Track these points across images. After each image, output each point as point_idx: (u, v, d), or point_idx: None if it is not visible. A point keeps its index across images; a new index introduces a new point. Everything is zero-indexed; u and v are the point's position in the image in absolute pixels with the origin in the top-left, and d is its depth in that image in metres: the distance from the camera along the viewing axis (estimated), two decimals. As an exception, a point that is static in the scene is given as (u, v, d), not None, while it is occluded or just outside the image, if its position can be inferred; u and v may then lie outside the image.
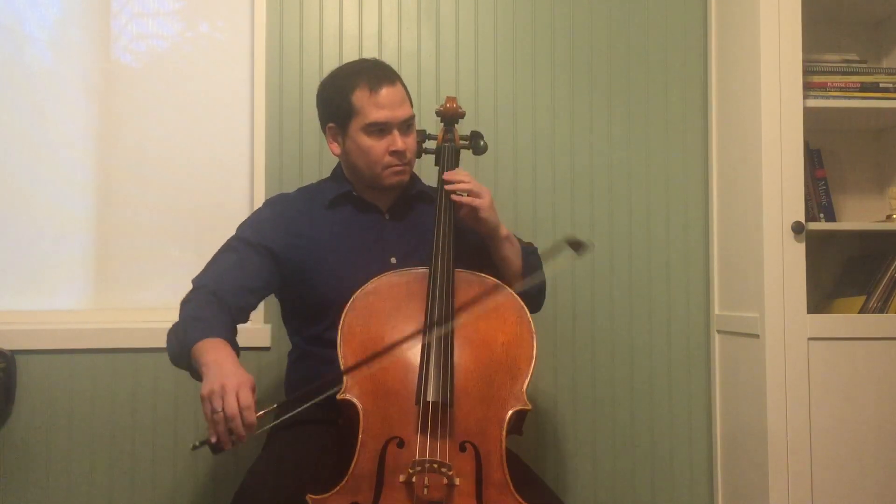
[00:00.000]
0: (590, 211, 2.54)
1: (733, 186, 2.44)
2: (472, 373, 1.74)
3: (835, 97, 2.36)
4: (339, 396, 1.68)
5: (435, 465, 1.61)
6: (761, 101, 2.25)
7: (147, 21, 2.54)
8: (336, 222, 2.01)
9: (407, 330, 1.77)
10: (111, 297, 2.50)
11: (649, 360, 2.54)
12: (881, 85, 2.38)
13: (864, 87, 2.38)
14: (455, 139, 2.09)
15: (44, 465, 2.34)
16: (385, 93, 1.93)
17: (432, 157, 2.10)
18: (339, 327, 1.77)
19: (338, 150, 2.02)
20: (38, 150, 2.48)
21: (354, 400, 1.68)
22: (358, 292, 1.82)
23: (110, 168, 2.51)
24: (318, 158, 2.44)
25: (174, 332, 1.82)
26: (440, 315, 1.76)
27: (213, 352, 1.70)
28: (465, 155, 2.12)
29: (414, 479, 1.60)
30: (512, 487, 1.65)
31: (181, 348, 1.77)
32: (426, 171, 2.16)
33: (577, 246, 1.62)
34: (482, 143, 2.11)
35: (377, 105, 1.92)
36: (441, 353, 1.71)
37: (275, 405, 1.68)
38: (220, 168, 2.51)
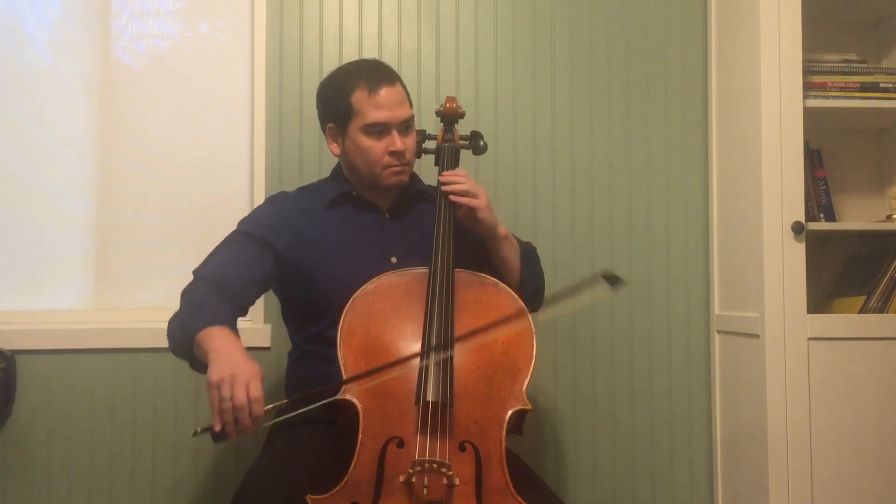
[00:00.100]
0: (590, 211, 2.54)
1: (733, 186, 2.44)
2: (472, 373, 1.74)
3: (835, 97, 2.36)
4: (338, 396, 1.68)
5: (435, 466, 1.61)
6: (761, 101, 2.25)
7: (147, 21, 2.54)
8: (336, 222, 2.01)
9: (407, 330, 1.77)
10: (111, 297, 2.50)
11: (649, 360, 2.54)
12: (881, 85, 2.38)
13: (864, 87, 2.38)
14: (455, 139, 2.09)
15: (44, 465, 2.34)
16: (384, 93, 1.93)
17: (432, 157, 2.10)
18: (339, 327, 1.77)
19: (337, 150, 2.02)
20: (38, 150, 2.48)
21: (354, 400, 1.68)
22: (358, 292, 1.82)
23: (110, 168, 2.51)
24: (318, 158, 2.44)
25: (175, 321, 1.81)
26: (440, 315, 1.76)
27: (220, 339, 1.68)
28: (465, 155, 2.12)
29: (414, 480, 1.60)
30: (512, 487, 1.65)
31: (184, 336, 1.75)
32: (426, 170, 2.16)
33: (613, 280, 1.62)
34: (482, 142, 2.11)
35: (376, 105, 1.92)
36: (441, 352, 1.71)
37: (285, 400, 1.67)
38: (220, 168, 2.51)
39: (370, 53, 2.46)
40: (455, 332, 1.76)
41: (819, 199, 2.47)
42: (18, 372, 2.33)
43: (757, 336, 2.26)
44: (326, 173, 2.15)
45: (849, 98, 2.37)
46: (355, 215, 2.03)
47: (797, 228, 2.22)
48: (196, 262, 1.94)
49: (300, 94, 2.45)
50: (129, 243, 2.50)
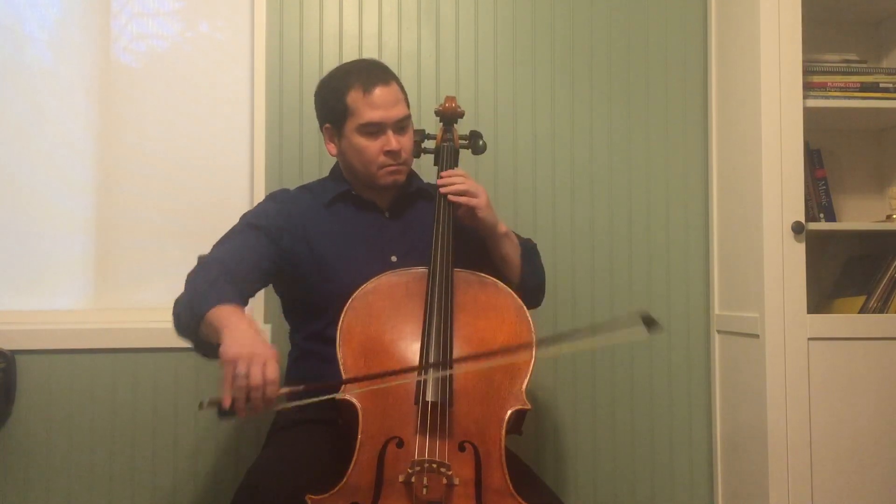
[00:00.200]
0: (590, 211, 2.54)
1: (733, 186, 2.44)
2: (472, 372, 1.74)
3: (835, 97, 2.36)
4: (338, 396, 1.68)
5: (434, 466, 1.61)
6: (761, 101, 2.25)
7: (147, 21, 2.54)
8: (337, 221, 2.01)
9: (406, 330, 1.77)
10: (111, 297, 2.50)
11: (649, 360, 2.54)
12: (881, 85, 2.38)
13: (864, 87, 2.38)
14: (454, 139, 2.09)
15: (44, 465, 2.34)
16: (378, 93, 1.93)
17: (431, 157, 2.10)
18: (339, 327, 1.77)
19: (334, 150, 2.03)
20: (38, 150, 2.48)
21: (354, 400, 1.68)
22: (357, 292, 1.82)
23: (110, 168, 2.51)
24: (318, 158, 2.44)
25: (182, 300, 1.77)
26: (439, 315, 1.76)
27: (234, 316, 1.65)
28: (465, 154, 2.12)
29: (413, 480, 1.60)
30: (511, 487, 1.65)
31: (192, 313, 1.70)
32: (426, 170, 2.16)
33: (650, 323, 1.56)
34: (481, 142, 2.11)
35: (370, 105, 1.92)
36: (440, 352, 1.71)
37: (301, 386, 1.65)
38: (220, 168, 2.51)
39: (370, 53, 2.46)
40: (455, 348, 1.74)
41: (819, 199, 2.47)
42: (18, 372, 2.33)
43: (757, 336, 2.26)
44: (326, 173, 2.15)
45: (849, 98, 2.37)
46: (355, 214, 2.03)
47: (797, 228, 2.22)
48: (196, 262, 1.93)
49: (300, 94, 2.45)
50: (129, 243, 2.50)
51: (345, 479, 1.61)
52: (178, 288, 1.88)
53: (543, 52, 2.55)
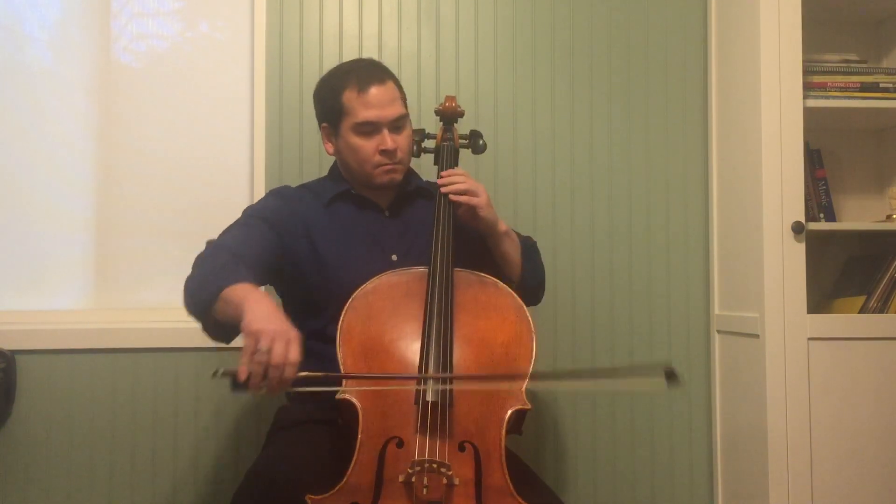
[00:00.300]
0: (590, 211, 2.54)
1: (733, 186, 2.44)
2: (472, 372, 1.74)
3: (835, 97, 2.36)
4: (337, 396, 1.68)
5: (434, 465, 1.61)
6: (761, 101, 2.25)
7: (147, 21, 2.54)
8: (337, 220, 2.01)
9: (406, 330, 1.77)
10: (111, 297, 2.50)
11: (649, 359, 2.53)
12: (881, 85, 2.38)
13: (864, 87, 2.38)
14: (454, 138, 2.09)
15: (44, 465, 2.34)
16: (374, 92, 1.93)
17: (431, 157, 2.10)
18: (338, 327, 1.76)
19: (332, 149, 2.03)
20: (38, 150, 2.48)
21: (353, 399, 1.68)
22: (357, 292, 1.81)
23: (110, 168, 2.51)
24: (318, 158, 2.43)
25: (195, 279, 1.75)
26: (440, 315, 1.76)
27: (255, 293, 1.62)
28: (465, 154, 2.12)
29: (413, 480, 1.60)
30: (511, 487, 1.64)
31: (207, 290, 1.67)
32: (426, 170, 2.16)
33: (671, 377, 1.55)
34: (481, 142, 2.11)
35: (365, 104, 1.92)
36: (440, 352, 1.71)
37: (320, 373, 1.62)
38: (220, 168, 2.51)
39: (370, 53, 2.46)
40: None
41: (819, 199, 2.47)
42: (18, 372, 2.33)
43: (757, 336, 2.26)
44: (326, 173, 2.15)
45: (849, 98, 2.37)
46: (355, 214, 2.03)
47: (797, 228, 2.22)
48: (193, 263, 1.93)
49: (300, 94, 2.45)
50: (129, 243, 2.50)
51: (345, 479, 1.61)
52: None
53: (543, 51, 2.55)
